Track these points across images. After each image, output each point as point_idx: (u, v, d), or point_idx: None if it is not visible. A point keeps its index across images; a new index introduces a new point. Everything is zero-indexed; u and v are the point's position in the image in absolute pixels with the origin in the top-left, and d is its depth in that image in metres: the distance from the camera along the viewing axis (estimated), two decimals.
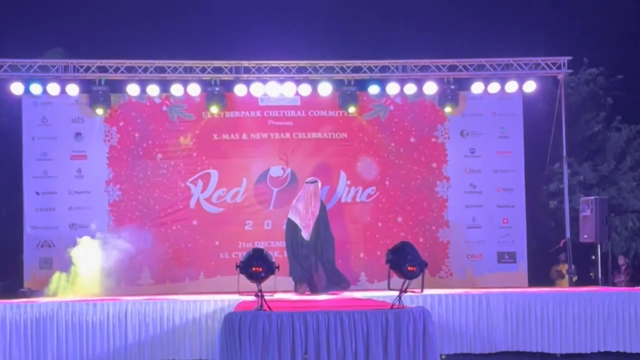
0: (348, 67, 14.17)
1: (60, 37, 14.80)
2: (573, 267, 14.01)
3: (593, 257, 14.84)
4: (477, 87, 14.21)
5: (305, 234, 12.35)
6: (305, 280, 12.35)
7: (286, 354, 8.27)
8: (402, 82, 14.14)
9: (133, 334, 10.49)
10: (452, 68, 14.25)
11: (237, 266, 8.60)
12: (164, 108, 14.21)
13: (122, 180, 14.01)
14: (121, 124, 14.13)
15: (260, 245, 13.42)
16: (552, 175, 15.63)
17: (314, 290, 12.27)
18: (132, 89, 13.88)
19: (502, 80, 14.18)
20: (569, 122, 14.71)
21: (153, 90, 13.91)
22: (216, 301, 10.70)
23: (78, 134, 14.06)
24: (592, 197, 14.04)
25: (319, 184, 12.67)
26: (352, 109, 14.20)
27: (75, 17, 15.73)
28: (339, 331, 8.37)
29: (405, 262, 8.54)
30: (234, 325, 8.29)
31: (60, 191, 13.93)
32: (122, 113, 14.15)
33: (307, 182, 12.69)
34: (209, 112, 14.12)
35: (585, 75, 16.55)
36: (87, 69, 13.87)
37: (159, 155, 14.11)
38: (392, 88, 14.13)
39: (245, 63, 14.06)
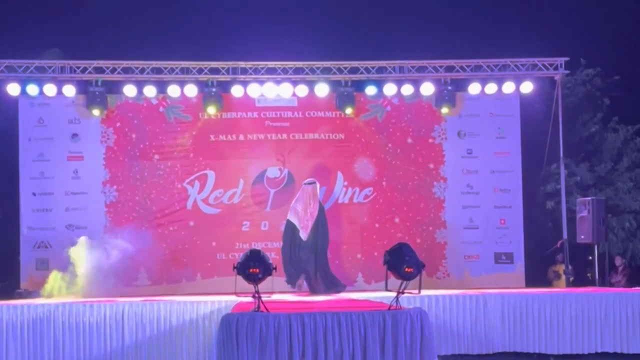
0: (345, 68, 14.17)
1: (57, 37, 14.77)
2: (570, 267, 14.02)
3: (590, 257, 14.85)
4: (474, 88, 14.22)
5: (304, 235, 12.37)
6: (297, 279, 12.39)
7: (283, 355, 8.28)
8: (399, 82, 14.15)
9: (130, 335, 10.48)
10: (449, 69, 14.25)
11: (234, 267, 8.60)
12: (161, 109, 14.20)
13: (119, 181, 13.99)
14: (118, 124, 14.11)
15: (258, 246, 13.41)
16: (549, 176, 15.64)
17: (313, 290, 12.28)
18: (129, 90, 13.87)
19: (499, 81, 14.19)
20: (566, 123, 14.72)
21: (150, 91, 13.89)
22: (213, 302, 10.69)
23: (75, 135, 14.05)
24: (589, 198, 14.06)
25: (317, 185, 12.69)
26: (349, 110, 14.20)
27: (72, 18, 15.71)
28: (337, 332, 8.38)
29: (402, 263, 8.56)
30: (231, 326, 8.30)
31: (56, 192, 13.91)
32: (119, 114, 14.13)
33: (305, 184, 12.71)
34: (205, 113, 14.11)
35: (582, 76, 16.55)
36: (84, 70, 13.86)
37: (156, 156, 14.10)
38: (389, 89, 14.13)
39: (242, 64, 14.05)
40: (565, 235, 14.18)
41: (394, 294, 8.73)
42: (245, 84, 14.01)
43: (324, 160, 14.28)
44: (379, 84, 14.22)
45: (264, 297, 8.69)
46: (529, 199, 14.77)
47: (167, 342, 10.54)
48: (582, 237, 13.87)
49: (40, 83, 13.73)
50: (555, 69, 14.27)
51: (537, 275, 14.66)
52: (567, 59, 14.27)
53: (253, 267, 8.52)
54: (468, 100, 14.45)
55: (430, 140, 14.43)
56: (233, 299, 9.88)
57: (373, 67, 14.21)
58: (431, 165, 14.40)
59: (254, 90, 13.98)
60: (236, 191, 14.15)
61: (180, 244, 13.96)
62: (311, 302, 10.44)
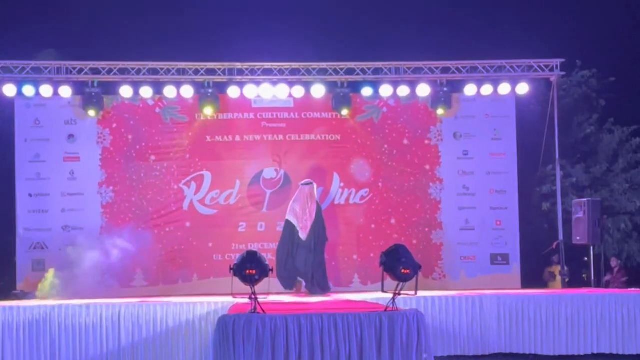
0: (341, 69, 14.18)
1: (53, 38, 14.77)
2: (566, 269, 14.04)
3: (586, 258, 14.87)
4: (470, 89, 14.23)
5: (303, 235, 12.39)
6: (292, 282, 12.40)
7: (280, 357, 8.28)
8: (395, 84, 14.16)
9: (126, 336, 10.48)
10: (445, 70, 14.27)
11: (230, 269, 8.60)
12: (157, 110, 14.19)
13: (115, 182, 13.98)
14: (114, 125, 14.10)
15: (254, 247, 13.41)
16: (545, 177, 15.66)
17: (310, 291, 12.30)
18: (125, 91, 13.86)
19: (495, 83, 14.21)
20: (562, 124, 14.74)
21: (146, 92, 13.89)
22: (210, 303, 10.69)
23: (71, 136, 14.03)
24: (585, 199, 14.09)
25: (315, 186, 12.71)
26: (345, 111, 14.21)
27: (68, 18, 15.71)
28: (333, 334, 8.38)
29: (399, 264, 8.56)
30: (228, 327, 8.29)
31: (53, 193, 13.89)
32: (115, 115, 14.12)
33: (302, 185, 12.72)
34: (202, 113, 14.11)
35: (578, 78, 16.60)
36: (80, 71, 13.85)
37: (152, 157, 14.09)
38: (385, 90, 14.14)
39: (238, 65, 14.05)
40: (561, 237, 14.20)
41: (390, 296, 8.74)
42: (241, 85, 14.01)
43: (320, 161, 14.28)
44: (375, 85, 14.24)
45: (261, 299, 8.69)
46: (525, 200, 14.79)
47: (163, 343, 10.54)
48: (578, 238, 13.89)
49: (36, 84, 13.71)
50: (551, 70, 14.29)
51: (533, 276, 14.68)
52: (562, 60, 14.30)
53: (249, 269, 8.51)
54: (464, 102, 14.46)
55: (426, 142, 14.44)
56: (229, 300, 9.88)
57: (369, 68, 14.22)
58: (427, 167, 14.41)
59: (250, 91, 13.99)
60: (232, 192, 14.15)
61: (176, 244, 13.96)
62: (308, 304, 10.44)
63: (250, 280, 8.55)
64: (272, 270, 8.67)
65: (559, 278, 14.36)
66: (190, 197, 14.09)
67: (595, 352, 11.00)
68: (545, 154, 14.75)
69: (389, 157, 14.36)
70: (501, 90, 14.21)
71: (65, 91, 13.79)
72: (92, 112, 13.90)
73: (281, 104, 14.24)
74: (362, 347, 8.38)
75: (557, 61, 14.28)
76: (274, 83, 13.99)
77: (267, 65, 14.04)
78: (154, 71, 13.92)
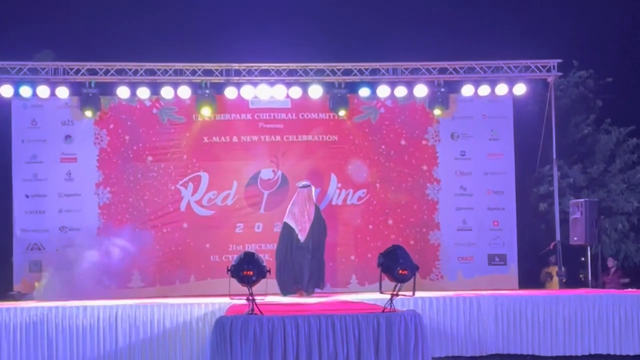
0: (338, 69, 14.17)
1: (50, 39, 14.77)
2: (563, 269, 14.04)
3: (583, 259, 14.88)
4: (467, 90, 14.24)
5: (302, 237, 12.37)
6: (290, 287, 12.38)
7: (277, 358, 8.27)
8: (393, 84, 14.16)
9: (124, 337, 10.46)
10: (443, 71, 14.27)
11: (228, 270, 8.59)
12: (154, 110, 14.18)
13: (112, 182, 13.96)
14: (111, 126, 14.09)
15: (251, 247, 13.38)
16: (542, 177, 15.67)
17: (307, 288, 12.30)
18: (122, 92, 13.85)
19: (492, 83, 14.21)
20: (559, 125, 14.75)
21: (143, 92, 13.87)
22: (207, 304, 10.67)
23: (68, 137, 14.02)
24: (582, 200, 14.09)
25: (313, 189, 12.68)
26: (342, 112, 14.20)
27: (65, 19, 15.70)
28: (331, 335, 8.37)
29: (396, 265, 8.57)
30: (225, 329, 8.28)
31: (50, 194, 13.88)
32: (112, 115, 14.11)
33: (300, 187, 12.68)
34: (199, 114, 14.10)
35: (575, 78, 16.59)
36: (77, 72, 13.83)
37: (149, 158, 14.08)
38: (383, 91, 14.13)
39: (235, 65, 14.04)
40: (558, 237, 14.21)
41: (388, 296, 8.74)
42: (238, 85, 14.00)
43: (318, 162, 14.28)
44: (373, 85, 14.23)
45: (258, 300, 8.69)
46: (522, 201, 14.79)
47: (160, 344, 10.52)
48: (575, 238, 13.90)
49: (33, 85, 13.70)
50: (548, 70, 14.30)
51: (530, 276, 14.70)
52: (559, 61, 14.31)
53: (247, 270, 8.51)
54: (461, 102, 14.46)
55: (424, 142, 14.44)
56: (227, 301, 9.87)
57: (366, 69, 14.21)
58: (424, 167, 14.41)
59: (248, 91, 13.97)
60: (230, 193, 14.14)
61: (173, 245, 13.94)
62: (305, 305, 10.43)
63: (248, 282, 8.55)
64: (269, 271, 8.67)
65: (556, 278, 14.37)
66: (187, 197, 14.07)
67: (593, 352, 11.00)
68: (543, 154, 14.76)
69: (387, 157, 14.36)
70: (498, 90, 14.21)
71: (62, 92, 13.77)
72: (89, 113, 13.89)
73: (278, 104, 14.24)
74: (359, 348, 8.38)
75: (554, 62, 14.29)
76: (272, 84, 13.98)
77: (265, 65, 14.03)
78: (151, 72, 13.90)
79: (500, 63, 14.25)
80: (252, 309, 8.55)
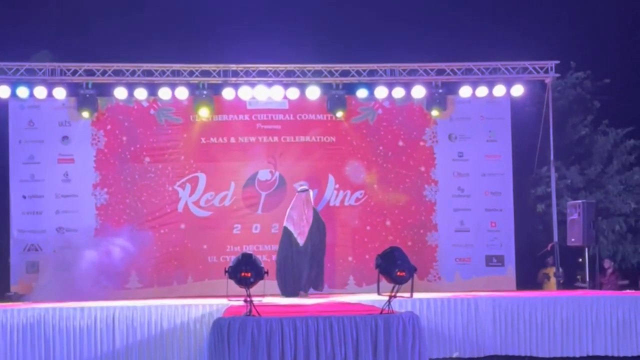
0: (336, 70, 14.17)
1: (48, 40, 14.77)
2: (560, 270, 14.05)
3: (580, 260, 14.89)
4: (465, 91, 14.23)
5: (300, 240, 12.37)
6: (292, 290, 12.38)
7: None
8: (390, 85, 14.15)
9: (121, 338, 10.43)
10: (440, 72, 14.27)
11: (226, 271, 8.57)
12: (152, 111, 14.17)
13: (109, 183, 13.95)
14: (108, 127, 14.07)
15: (249, 248, 13.37)
16: (539, 178, 15.68)
17: (305, 288, 12.31)
18: (120, 93, 13.83)
19: (490, 84, 14.22)
20: (557, 126, 14.76)
21: (141, 93, 13.86)
22: (204, 306, 10.65)
23: (65, 138, 14.00)
24: (580, 201, 14.10)
25: (311, 192, 12.67)
26: (340, 113, 14.20)
27: (63, 20, 15.69)
28: (329, 336, 8.35)
29: (394, 267, 8.54)
30: (223, 330, 8.26)
31: (47, 195, 13.86)
32: (110, 116, 14.10)
33: (298, 191, 12.67)
34: (197, 115, 14.09)
35: (572, 79, 16.62)
36: (75, 72, 13.82)
37: (147, 159, 14.07)
38: (380, 92, 14.13)
39: (233, 66, 14.03)
40: (555, 238, 14.21)
41: (386, 298, 8.73)
42: (236, 86, 13.99)
43: (315, 163, 14.28)
44: (370, 86, 14.23)
45: (256, 301, 8.67)
46: (520, 202, 14.80)
47: (158, 345, 10.50)
48: (573, 240, 13.90)
49: (30, 85, 13.68)
50: (546, 72, 14.31)
51: (527, 278, 14.70)
52: (557, 62, 14.32)
53: (245, 271, 8.48)
54: (459, 103, 14.47)
55: (422, 143, 14.44)
56: (224, 302, 9.85)
57: (364, 70, 14.21)
58: (422, 168, 14.40)
59: (245, 92, 13.96)
60: (227, 194, 14.13)
61: (171, 246, 13.93)
62: (303, 306, 10.42)
63: (246, 283, 8.52)
64: (267, 272, 8.65)
65: (553, 279, 14.37)
66: (185, 198, 14.06)
67: (591, 354, 10.98)
68: (540, 155, 14.77)
69: (384, 158, 14.36)
70: (496, 92, 14.22)
71: (60, 93, 13.76)
72: (86, 114, 13.87)
73: (276, 105, 14.23)
74: (357, 349, 8.36)
75: (551, 63, 14.30)
76: (269, 85, 13.98)
77: (262, 66, 14.03)
78: (149, 73, 13.89)
79: (497, 64, 14.25)
80: (250, 311, 8.53)
